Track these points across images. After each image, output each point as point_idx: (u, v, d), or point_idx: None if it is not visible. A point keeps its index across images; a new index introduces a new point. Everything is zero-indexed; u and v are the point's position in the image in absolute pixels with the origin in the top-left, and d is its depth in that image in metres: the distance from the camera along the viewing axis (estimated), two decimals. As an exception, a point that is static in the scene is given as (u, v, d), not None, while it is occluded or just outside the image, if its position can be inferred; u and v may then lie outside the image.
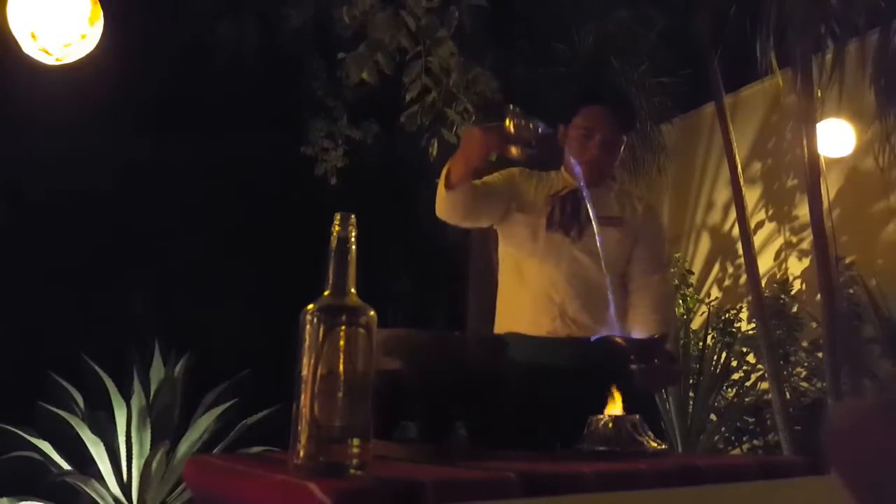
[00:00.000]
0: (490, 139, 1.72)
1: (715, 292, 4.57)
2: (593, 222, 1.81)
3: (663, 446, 1.24)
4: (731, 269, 4.54)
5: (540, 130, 1.67)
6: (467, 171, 1.79)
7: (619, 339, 1.53)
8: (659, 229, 2.07)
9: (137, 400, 3.60)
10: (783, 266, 4.24)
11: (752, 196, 4.30)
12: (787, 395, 3.44)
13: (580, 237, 1.86)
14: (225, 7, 4.09)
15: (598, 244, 1.82)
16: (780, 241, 4.30)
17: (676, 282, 4.30)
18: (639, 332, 1.75)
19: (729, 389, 3.85)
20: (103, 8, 2.36)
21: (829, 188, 3.61)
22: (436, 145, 3.37)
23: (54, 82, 2.88)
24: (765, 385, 3.63)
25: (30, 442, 3.41)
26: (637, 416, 1.25)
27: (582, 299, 1.85)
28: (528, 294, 1.89)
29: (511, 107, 1.69)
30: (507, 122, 1.66)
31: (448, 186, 1.81)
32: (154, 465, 3.41)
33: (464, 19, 3.05)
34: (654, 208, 2.07)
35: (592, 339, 1.60)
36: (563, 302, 1.86)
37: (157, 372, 3.76)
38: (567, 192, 1.90)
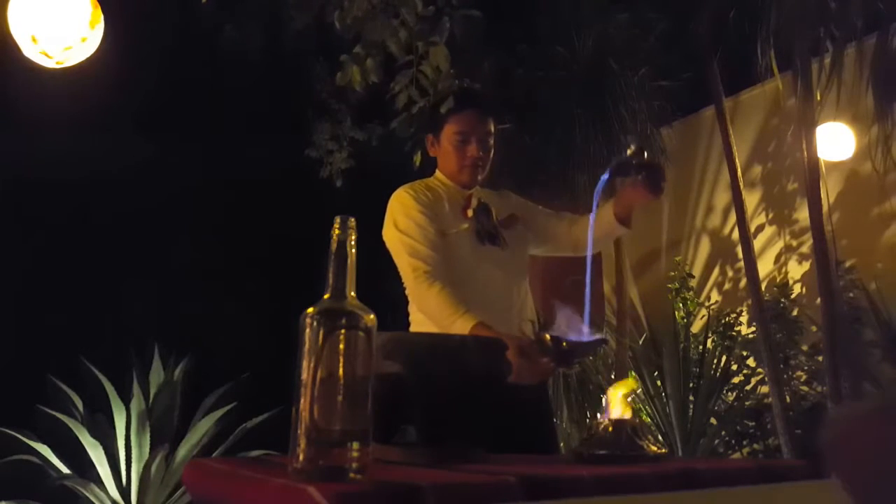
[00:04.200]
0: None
1: (715, 296, 4.57)
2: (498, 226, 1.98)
3: (663, 450, 1.24)
4: (730, 273, 4.54)
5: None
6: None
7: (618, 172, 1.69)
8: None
9: (137, 403, 3.60)
10: (783, 270, 4.24)
11: (751, 199, 4.31)
12: (788, 399, 3.44)
13: (505, 244, 1.97)
14: (228, 10, 4.09)
15: (514, 246, 1.98)
16: (779, 245, 4.30)
17: (677, 285, 4.30)
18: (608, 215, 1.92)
19: (729, 393, 3.85)
20: (104, 11, 2.36)
21: (829, 192, 3.62)
22: (419, 156, 3.38)
23: (54, 85, 2.88)
24: (765, 389, 3.63)
25: (29, 445, 3.41)
26: (637, 420, 1.25)
27: (525, 299, 1.98)
28: (481, 307, 1.82)
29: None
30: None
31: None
32: (153, 468, 3.41)
33: (455, 30, 3.04)
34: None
35: (603, 179, 1.67)
36: (519, 308, 1.96)
37: (156, 375, 3.76)
38: (478, 204, 2.00)
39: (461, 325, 1.71)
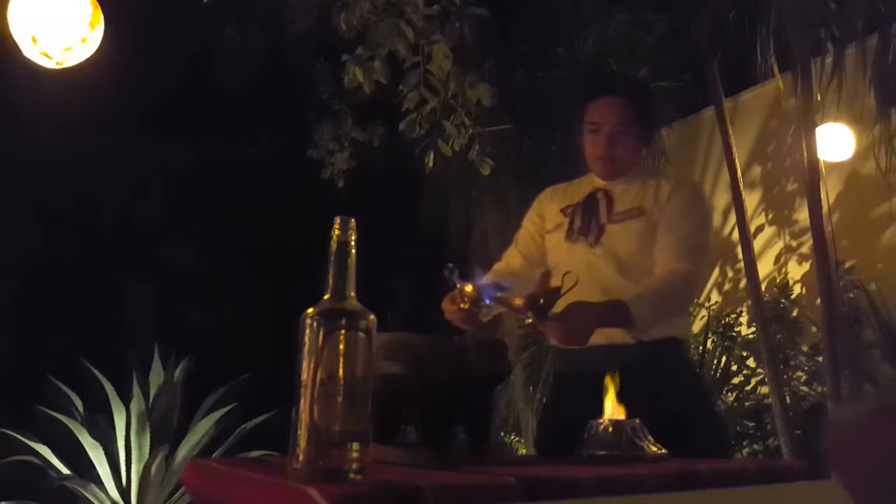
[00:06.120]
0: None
1: (715, 296, 4.57)
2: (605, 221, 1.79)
3: (663, 450, 1.24)
4: (730, 274, 4.54)
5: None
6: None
7: (514, 300, 1.53)
8: (686, 209, 1.77)
9: (137, 404, 3.60)
10: (783, 270, 4.23)
11: (751, 200, 4.30)
12: (788, 400, 3.43)
13: (598, 241, 1.77)
14: (229, 11, 4.09)
15: (615, 243, 1.76)
16: (779, 245, 4.30)
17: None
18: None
19: (729, 393, 3.84)
20: (104, 11, 2.36)
21: (829, 192, 3.61)
22: (432, 157, 3.37)
23: (55, 86, 2.88)
24: (765, 389, 3.62)
25: (29, 446, 3.41)
26: (637, 421, 1.25)
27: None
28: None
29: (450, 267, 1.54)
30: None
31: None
32: (153, 469, 3.41)
33: (465, 31, 3.04)
34: (685, 186, 1.84)
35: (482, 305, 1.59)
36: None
37: (156, 376, 3.76)
38: (586, 197, 1.85)
39: None
